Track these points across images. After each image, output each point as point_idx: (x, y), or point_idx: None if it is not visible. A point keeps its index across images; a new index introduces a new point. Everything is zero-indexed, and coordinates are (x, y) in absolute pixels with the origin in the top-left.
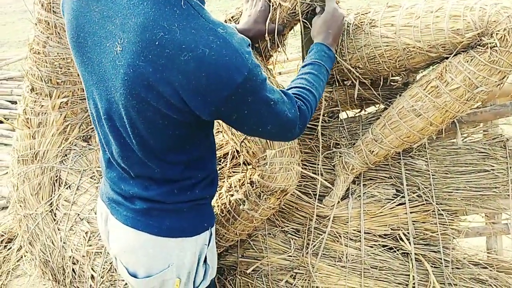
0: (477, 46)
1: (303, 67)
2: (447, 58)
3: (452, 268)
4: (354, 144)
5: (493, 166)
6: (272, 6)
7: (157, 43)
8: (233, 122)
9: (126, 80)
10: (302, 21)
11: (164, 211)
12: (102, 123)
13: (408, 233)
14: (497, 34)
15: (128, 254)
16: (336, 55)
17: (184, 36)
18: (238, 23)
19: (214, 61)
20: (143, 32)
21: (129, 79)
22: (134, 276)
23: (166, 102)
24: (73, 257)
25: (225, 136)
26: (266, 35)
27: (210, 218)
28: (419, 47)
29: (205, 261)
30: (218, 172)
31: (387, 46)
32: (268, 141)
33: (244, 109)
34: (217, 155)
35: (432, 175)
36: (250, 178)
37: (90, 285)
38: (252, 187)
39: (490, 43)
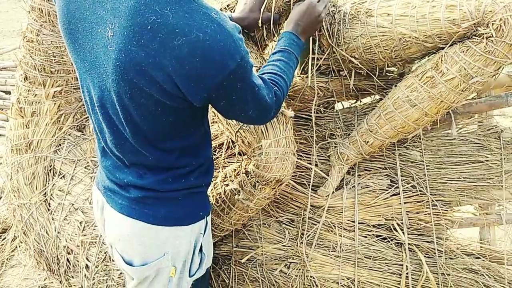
0: (473, 36)
1: (273, 54)
2: (443, 48)
3: (445, 258)
4: (349, 134)
5: (487, 157)
6: None
7: (149, 27)
8: (220, 107)
9: (118, 65)
10: None
11: (159, 200)
12: (96, 111)
13: (402, 223)
14: (493, 24)
15: (124, 243)
16: (307, 44)
17: (177, 20)
18: (233, 11)
19: (208, 46)
20: (135, 16)
21: (121, 65)
22: (130, 264)
23: (159, 87)
24: (68, 247)
25: (220, 126)
26: (260, 23)
27: (206, 207)
28: (415, 37)
29: (200, 250)
30: (214, 162)
31: (383, 36)
32: (263, 131)
33: (233, 95)
34: (212, 144)
35: (427, 165)
36: (245, 168)
37: (85, 275)
38: (247, 177)
39: (486, 33)
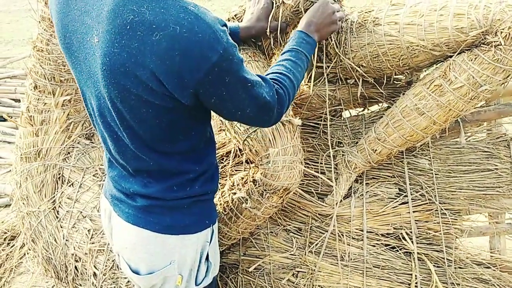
0: (481, 45)
1: (282, 54)
2: (451, 56)
3: (455, 268)
4: (357, 143)
5: (497, 166)
6: (275, 3)
7: (128, 27)
8: (213, 105)
9: (105, 70)
10: None
11: (164, 208)
12: (98, 121)
13: (411, 232)
14: (501, 32)
15: (130, 251)
16: (320, 44)
17: (153, 16)
18: (241, 21)
19: (186, 38)
20: (115, 19)
21: (107, 69)
22: (137, 273)
23: (145, 87)
24: (76, 255)
25: (227, 134)
26: (268, 32)
27: (212, 216)
28: (423, 45)
29: (207, 258)
30: (221, 170)
31: (390, 44)
32: (271, 139)
33: (223, 90)
34: (216, 150)
35: (435, 174)
36: (252, 177)
37: (93, 283)
38: (255, 185)
39: (494, 41)
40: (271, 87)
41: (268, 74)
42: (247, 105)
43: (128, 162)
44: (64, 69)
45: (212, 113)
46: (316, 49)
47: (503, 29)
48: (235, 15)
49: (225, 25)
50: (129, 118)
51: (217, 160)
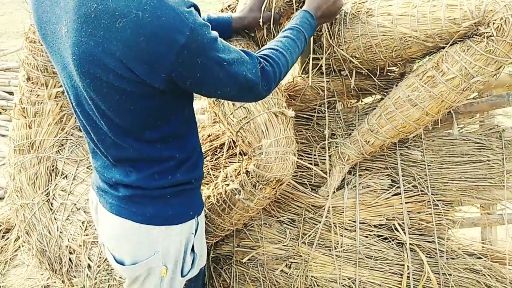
0: (474, 36)
1: (283, 30)
2: (443, 47)
3: (447, 258)
4: (350, 134)
5: (489, 157)
6: None
7: (93, 15)
8: (190, 87)
9: (75, 59)
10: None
11: (146, 198)
12: (77, 112)
13: (403, 223)
14: (493, 23)
15: (114, 241)
16: (319, 28)
17: (116, 3)
18: (234, 12)
19: (149, 23)
20: (80, 8)
21: (77, 58)
22: (121, 263)
23: (115, 74)
24: (70, 247)
25: (221, 126)
26: (261, 22)
27: (197, 207)
28: (416, 36)
29: (192, 249)
30: (214, 162)
31: (383, 35)
32: (264, 130)
33: (196, 72)
34: (210, 142)
35: (428, 165)
36: (246, 168)
37: (87, 274)
38: (248, 177)
39: (486, 32)
40: (255, 64)
41: (263, 49)
42: (226, 84)
43: (108, 151)
44: None
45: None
46: (312, 42)
47: (495, 20)
48: (229, 6)
49: (194, 5)
50: (104, 107)
51: (212, 152)
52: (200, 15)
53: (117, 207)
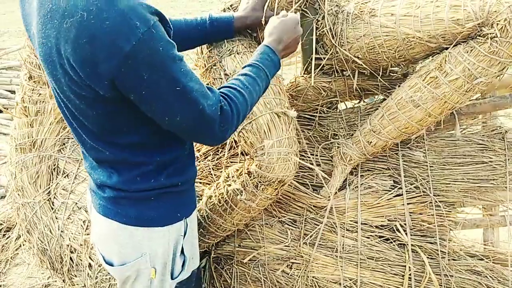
0: (477, 37)
1: (243, 67)
2: (446, 48)
3: (449, 260)
4: (352, 135)
5: (491, 158)
6: None
7: (49, 16)
8: (140, 105)
9: (42, 60)
10: (302, 10)
11: (131, 200)
12: (62, 114)
13: (405, 224)
14: (497, 24)
15: (103, 242)
16: (280, 63)
17: (66, 2)
18: (237, 11)
19: (93, 25)
20: (40, 9)
21: (42, 59)
22: (110, 264)
23: (69, 77)
24: (71, 246)
25: None
26: (263, 22)
27: (185, 208)
28: (419, 37)
29: (182, 252)
30: (216, 162)
31: (386, 36)
32: (266, 131)
33: (142, 87)
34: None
35: (430, 166)
36: (247, 168)
37: (88, 274)
38: (250, 177)
39: (490, 33)
40: (215, 101)
41: (221, 88)
42: (176, 112)
43: (89, 152)
44: None
45: None
46: (314, 42)
47: (499, 21)
48: (231, 5)
49: (158, 14)
50: (73, 109)
51: (213, 152)
52: (166, 25)
53: (104, 208)
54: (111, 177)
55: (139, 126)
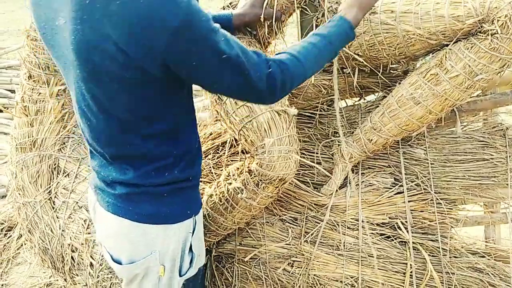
0: (478, 33)
1: (314, 34)
2: (447, 45)
3: (450, 257)
4: (352, 133)
5: (492, 155)
6: None
7: (87, 1)
8: (187, 76)
9: (73, 49)
10: (301, 7)
11: (144, 195)
12: (77, 110)
13: (406, 221)
14: (498, 20)
15: (112, 240)
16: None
17: None
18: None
19: (142, 4)
20: None
21: (75, 48)
22: (118, 262)
23: (113, 60)
24: (72, 245)
25: (223, 125)
26: (262, 19)
27: (195, 206)
28: (419, 34)
29: (190, 249)
30: (216, 160)
31: (387, 33)
32: (266, 129)
33: (192, 60)
34: (212, 141)
35: (431, 163)
36: (248, 167)
37: (89, 273)
38: (251, 175)
39: (491, 30)
40: (261, 67)
41: (281, 52)
42: (224, 79)
43: (105, 149)
44: None
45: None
46: None
47: (499, 17)
48: (230, 3)
49: None
50: (103, 99)
51: (214, 151)
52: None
53: (114, 206)
54: (125, 173)
55: (168, 112)
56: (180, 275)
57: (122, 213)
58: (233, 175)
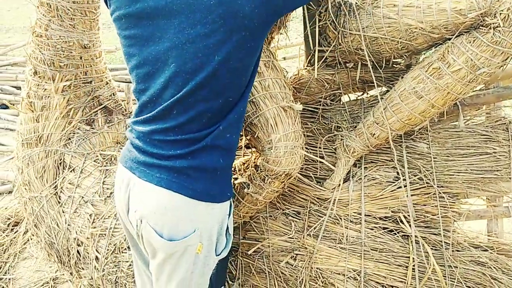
0: (480, 27)
1: None
2: (449, 39)
3: (452, 251)
4: (355, 127)
5: (495, 149)
6: None
7: None
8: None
9: (170, 10)
10: None
11: (199, 172)
12: (149, 79)
13: (409, 215)
14: (500, 14)
15: (159, 216)
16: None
17: None
18: None
19: None
20: None
21: (178, 7)
22: (161, 237)
23: (233, 15)
24: (78, 239)
25: None
26: None
27: (232, 188)
28: (422, 27)
29: (227, 230)
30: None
31: (389, 27)
32: (273, 125)
33: None
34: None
35: (434, 157)
36: (254, 162)
37: (95, 266)
38: (257, 170)
39: (493, 23)
40: None
41: None
42: None
43: (184, 114)
44: (63, 54)
45: None
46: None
47: (502, 10)
48: None
49: None
50: (213, 57)
51: None
52: None
53: (167, 181)
54: (190, 148)
55: (248, 83)
56: (216, 254)
57: (175, 188)
58: (239, 170)
